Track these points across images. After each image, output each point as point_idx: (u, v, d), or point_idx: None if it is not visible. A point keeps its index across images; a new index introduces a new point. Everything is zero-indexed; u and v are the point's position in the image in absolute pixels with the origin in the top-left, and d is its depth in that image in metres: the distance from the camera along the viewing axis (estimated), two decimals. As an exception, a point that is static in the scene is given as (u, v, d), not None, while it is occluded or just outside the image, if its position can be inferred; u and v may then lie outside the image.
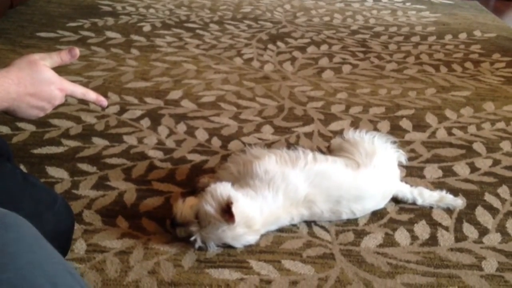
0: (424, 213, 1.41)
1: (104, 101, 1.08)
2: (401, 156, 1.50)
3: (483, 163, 1.64)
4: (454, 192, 1.49)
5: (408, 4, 3.27)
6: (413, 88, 2.12)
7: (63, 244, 1.11)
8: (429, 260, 1.25)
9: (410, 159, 1.62)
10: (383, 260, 1.24)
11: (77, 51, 1.02)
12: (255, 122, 1.78)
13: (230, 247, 1.23)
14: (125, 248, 1.21)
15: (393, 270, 1.21)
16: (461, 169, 1.61)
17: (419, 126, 1.84)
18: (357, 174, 1.32)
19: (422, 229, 1.35)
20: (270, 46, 2.45)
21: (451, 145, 1.73)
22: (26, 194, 1.03)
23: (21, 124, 1.65)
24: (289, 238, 1.28)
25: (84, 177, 1.44)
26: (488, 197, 1.49)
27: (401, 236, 1.32)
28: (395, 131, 1.79)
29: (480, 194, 1.50)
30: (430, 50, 2.54)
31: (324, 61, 2.32)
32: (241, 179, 1.28)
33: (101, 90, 1.91)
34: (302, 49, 2.45)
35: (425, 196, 1.42)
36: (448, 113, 1.94)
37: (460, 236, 1.33)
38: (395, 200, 1.42)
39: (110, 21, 2.60)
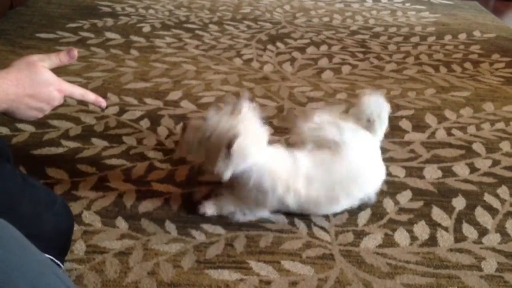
0: (423, 213, 1.41)
1: (103, 102, 1.09)
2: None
3: (483, 164, 1.64)
4: (454, 192, 1.49)
5: (407, 4, 3.27)
6: (413, 88, 2.12)
7: (62, 245, 1.11)
8: (428, 260, 1.25)
9: (409, 159, 1.62)
10: (382, 261, 1.24)
11: (75, 52, 1.02)
12: (255, 122, 1.78)
13: (230, 247, 1.23)
14: (124, 249, 1.21)
15: (392, 270, 1.21)
16: (461, 169, 1.61)
17: (419, 126, 1.84)
18: (345, 157, 1.31)
19: (421, 230, 1.35)
20: (269, 46, 2.45)
21: (450, 145, 1.73)
22: (26, 194, 1.03)
23: (20, 125, 1.65)
24: (289, 238, 1.28)
25: (83, 178, 1.44)
26: (488, 198, 1.49)
27: (401, 236, 1.32)
28: (395, 131, 1.79)
29: (480, 195, 1.50)
30: (429, 50, 2.54)
31: (323, 62, 2.33)
32: None
33: (101, 91, 1.91)
34: (302, 49, 2.45)
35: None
36: (448, 113, 1.94)
37: (459, 237, 1.33)
38: (392, 196, 1.42)
39: (110, 22, 2.60)
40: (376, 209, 1.41)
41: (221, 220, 1.32)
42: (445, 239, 1.32)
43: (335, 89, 2.07)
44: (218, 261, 1.20)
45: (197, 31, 2.57)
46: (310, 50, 2.45)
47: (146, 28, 2.55)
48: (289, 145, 1.63)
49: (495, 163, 1.65)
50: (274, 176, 1.26)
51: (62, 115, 1.73)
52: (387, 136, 1.74)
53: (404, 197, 1.46)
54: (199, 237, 1.27)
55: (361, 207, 1.40)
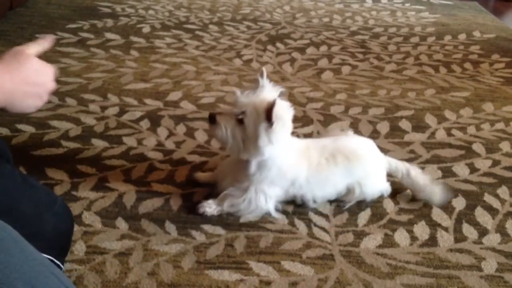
0: (423, 213, 1.41)
1: (51, 37, 1.09)
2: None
3: (483, 164, 1.64)
4: (454, 192, 1.49)
5: (407, 5, 3.27)
6: (413, 88, 2.12)
7: (62, 245, 1.11)
8: (428, 260, 1.25)
9: (409, 160, 1.62)
10: (382, 261, 1.24)
11: (51, 36, 1.07)
12: (255, 123, 1.78)
13: (230, 247, 1.23)
14: (124, 249, 1.21)
15: (392, 270, 1.21)
16: (461, 169, 1.61)
17: (419, 126, 1.84)
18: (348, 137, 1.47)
19: (421, 230, 1.35)
20: (269, 47, 2.45)
21: (450, 145, 1.73)
22: (26, 195, 1.03)
23: (20, 126, 1.65)
24: (289, 239, 1.28)
25: (83, 178, 1.44)
26: (488, 198, 1.49)
27: (401, 236, 1.32)
28: (395, 132, 1.79)
29: (480, 195, 1.50)
30: (429, 50, 2.54)
31: (323, 62, 2.33)
32: None
33: (101, 91, 1.91)
34: (302, 50, 2.45)
35: (411, 174, 1.44)
36: (448, 113, 1.94)
37: (459, 237, 1.33)
38: (392, 196, 1.42)
39: (110, 22, 2.60)
40: (376, 209, 1.41)
41: (221, 220, 1.32)
42: (445, 239, 1.32)
43: (335, 90, 2.07)
44: (218, 262, 1.20)
45: (197, 32, 2.57)
46: (310, 50, 2.45)
47: (146, 29, 2.55)
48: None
49: (495, 163, 1.65)
50: (295, 155, 1.33)
51: (62, 116, 1.73)
52: (387, 136, 1.75)
53: (404, 198, 1.46)
54: (199, 237, 1.27)
55: (361, 207, 1.40)
